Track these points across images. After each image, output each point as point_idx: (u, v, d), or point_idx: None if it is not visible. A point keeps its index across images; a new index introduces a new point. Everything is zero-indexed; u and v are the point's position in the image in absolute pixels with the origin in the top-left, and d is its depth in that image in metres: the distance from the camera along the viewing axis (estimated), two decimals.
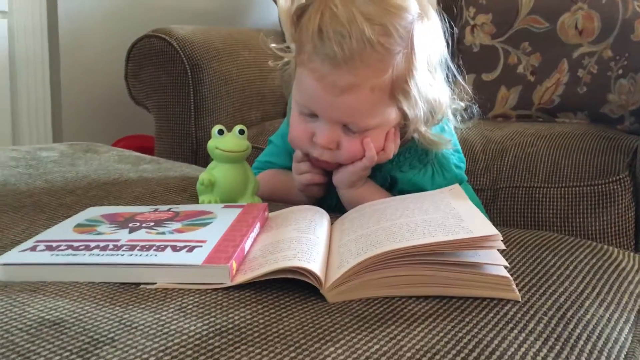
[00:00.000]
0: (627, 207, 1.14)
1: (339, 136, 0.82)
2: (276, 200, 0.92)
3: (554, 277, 0.63)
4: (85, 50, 2.10)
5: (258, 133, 1.51)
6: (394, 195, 0.88)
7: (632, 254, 0.76)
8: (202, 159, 1.52)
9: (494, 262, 0.57)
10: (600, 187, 1.15)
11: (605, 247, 0.76)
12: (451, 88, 0.89)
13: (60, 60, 2.06)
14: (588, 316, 0.56)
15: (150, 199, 0.87)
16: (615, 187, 1.14)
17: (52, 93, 2.07)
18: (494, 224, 0.60)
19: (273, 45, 0.91)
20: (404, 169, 0.89)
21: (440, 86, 0.86)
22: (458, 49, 1.79)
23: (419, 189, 0.85)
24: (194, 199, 0.88)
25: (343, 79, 0.77)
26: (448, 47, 0.89)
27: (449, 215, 0.64)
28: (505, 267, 0.57)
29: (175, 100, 1.53)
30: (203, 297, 0.55)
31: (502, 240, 0.56)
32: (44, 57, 2.04)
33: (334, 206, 0.93)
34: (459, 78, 0.91)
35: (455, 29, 1.76)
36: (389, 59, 0.78)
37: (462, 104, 0.91)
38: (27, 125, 2.03)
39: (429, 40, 0.83)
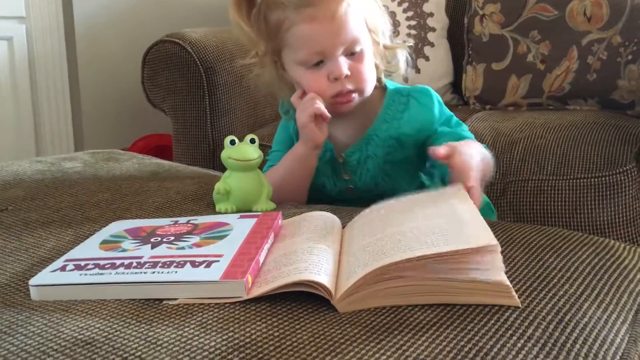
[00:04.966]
0: (634, 198, 1.16)
1: (348, 64, 0.94)
2: (291, 182, 0.99)
3: (555, 280, 0.66)
4: (102, 52, 2.15)
5: (274, 131, 1.54)
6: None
7: (637, 248, 0.79)
8: (219, 159, 1.55)
9: (495, 269, 0.60)
10: (607, 178, 1.17)
11: (611, 243, 0.79)
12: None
13: (78, 62, 2.11)
14: (586, 319, 0.59)
15: (170, 209, 0.91)
16: (622, 178, 1.16)
17: (71, 95, 2.12)
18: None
19: (243, 61, 1.07)
20: (395, 120, 0.99)
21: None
22: (467, 39, 1.80)
23: (421, 120, 0.99)
24: (212, 207, 0.92)
25: (329, 7, 0.92)
26: None
27: (452, 221, 0.66)
28: (505, 273, 0.60)
29: (191, 103, 1.57)
30: (222, 311, 0.59)
31: (501, 252, 0.59)
32: (62, 60, 2.09)
33: (335, 194, 1.04)
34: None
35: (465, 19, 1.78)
36: None
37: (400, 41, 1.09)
38: (49, 127, 2.09)
39: None
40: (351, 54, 0.95)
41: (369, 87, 0.98)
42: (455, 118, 1.03)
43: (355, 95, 0.97)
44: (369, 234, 0.70)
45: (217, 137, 1.58)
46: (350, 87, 0.95)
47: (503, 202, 1.22)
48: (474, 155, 0.86)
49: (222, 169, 0.95)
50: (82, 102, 2.14)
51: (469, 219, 0.67)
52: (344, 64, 0.94)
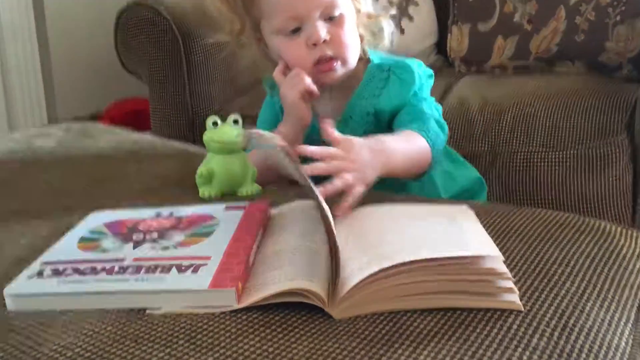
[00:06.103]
0: (624, 170, 1.14)
1: (327, 28, 0.90)
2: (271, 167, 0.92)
3: (556, 277, 0.63)
4: (73, 13, 2.06)
5: (255, 100, 1.49)
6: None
7: (634, 233, 0.77)
8: (199, 129, 1.50)
9: (496, 266, 0.58)
10: (597, 149, 1.15)
11: (608, 227, 0.76)
12: None
13: (47, 25, 2.03)
14: (590, 322, 0.57)
15: (151, 195, 0.87)
16: (612, 149, 1.14)
17: (41, 60, 2.04)
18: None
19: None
20: (373, 97, 0.96)
21: None
22: None
23: (400, 97, 0.94)
24: (194, 191, 0.88)
25: None
26: None
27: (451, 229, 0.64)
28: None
29: (167, 70, 1.51)
30: (212, 322, 0.56)
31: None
32: (31, 24, 2.00)
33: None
34: None
35: None
36: None
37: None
38: (20, 95, 2.01)
39: None
40: (330, 18, 0.91)
41: (351, 54, 0.94)
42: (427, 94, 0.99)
43: (337, 64, 0.93)
44: (361, 237, 0.67)
45: (197, 106, 1.52)
46: (330, 53, 0.92)
47: (492, 175, 1.19)
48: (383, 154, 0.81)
49: (203, 141, 0.90)
50: (53, 66, 2.06)
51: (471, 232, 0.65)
52: (322, 27, 0.90)
